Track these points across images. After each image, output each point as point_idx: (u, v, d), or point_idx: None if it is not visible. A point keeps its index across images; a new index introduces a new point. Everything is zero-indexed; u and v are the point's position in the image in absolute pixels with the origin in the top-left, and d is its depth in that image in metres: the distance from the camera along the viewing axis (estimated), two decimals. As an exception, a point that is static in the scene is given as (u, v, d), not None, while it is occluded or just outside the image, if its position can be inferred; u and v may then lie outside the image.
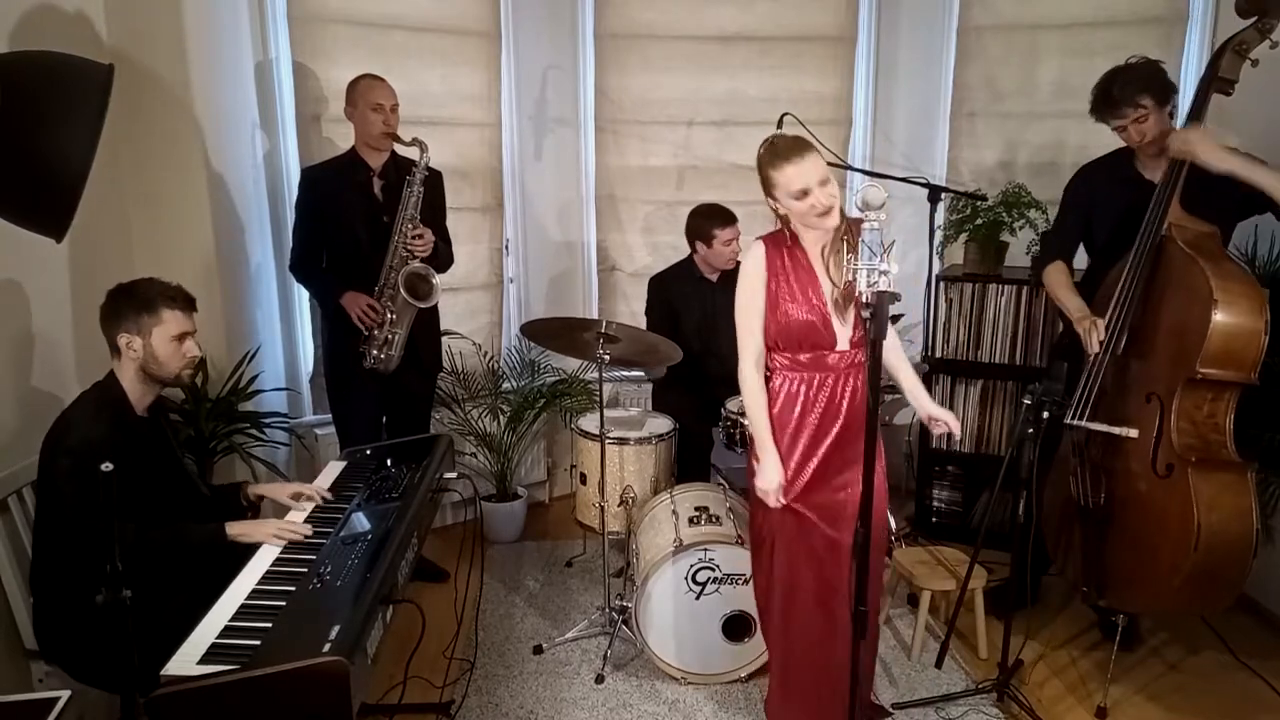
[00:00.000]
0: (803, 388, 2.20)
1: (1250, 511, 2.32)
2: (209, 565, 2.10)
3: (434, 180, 3.18)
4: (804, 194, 2.05)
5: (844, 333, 2.17)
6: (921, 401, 2.33)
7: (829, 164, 2.11)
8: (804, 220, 2.12)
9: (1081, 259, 3.00)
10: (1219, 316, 2.32)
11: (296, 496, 2.40)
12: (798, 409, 2.21)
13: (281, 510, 2.37)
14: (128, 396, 2.15)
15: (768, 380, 2.25)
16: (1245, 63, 2.50)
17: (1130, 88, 2.61)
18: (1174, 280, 2.48)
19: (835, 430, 2.20)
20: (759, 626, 2.56)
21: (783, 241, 2.19)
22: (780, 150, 2.07)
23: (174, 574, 2.08)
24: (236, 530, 2.17)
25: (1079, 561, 2.69)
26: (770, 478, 2.19)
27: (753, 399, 2.24)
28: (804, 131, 2.22)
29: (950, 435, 2.27)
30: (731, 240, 3.47)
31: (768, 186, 2.12)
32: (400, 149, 3.12)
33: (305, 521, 2.26)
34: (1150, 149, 2.68)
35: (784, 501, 2.20)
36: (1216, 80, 2.52)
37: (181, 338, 2.16)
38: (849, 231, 2.12)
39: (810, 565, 2.24)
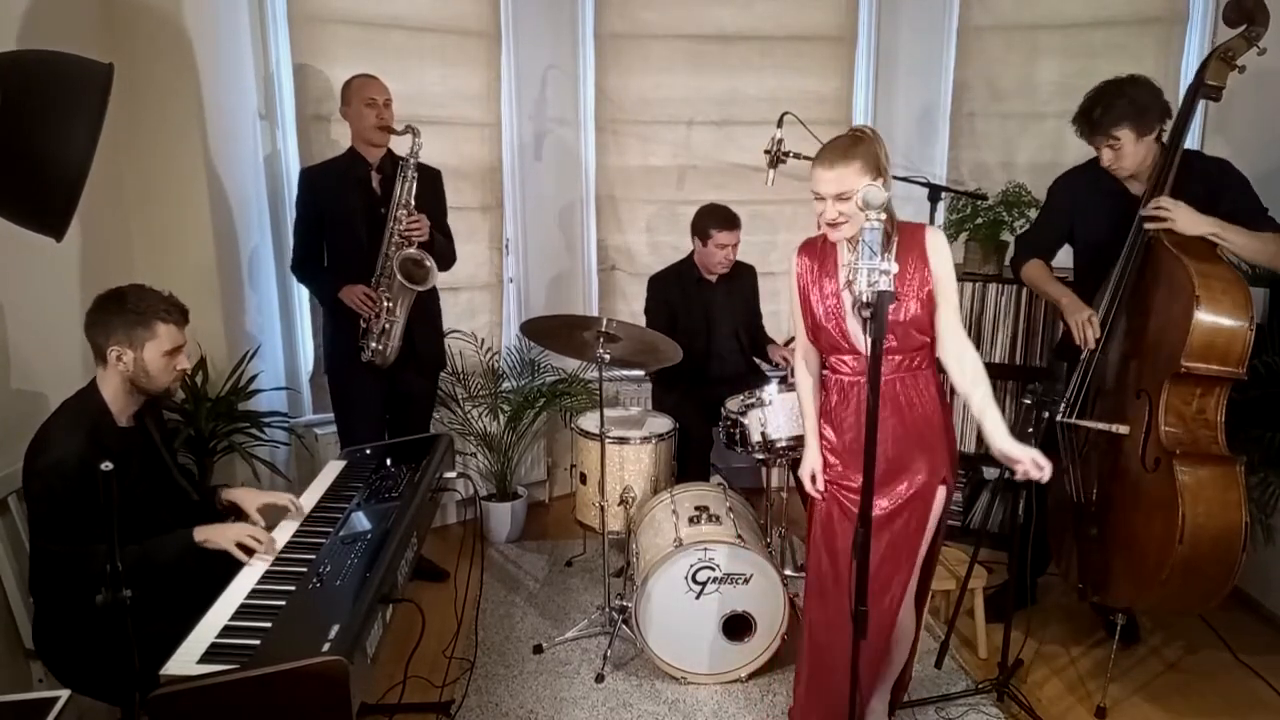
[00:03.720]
0: (839, 385, 2.22)
1: (1239, 504, 2.32)
2: (190, 573, 2.04)
3: (433, 177, 3.19)
4: (818, 198, 2.07)
5: (864, 338, 2.16)
6: (994, 436, 2.07)
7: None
8: (820, 222, 2.12)
9: (1066, 259, 2.99)
10: (1200, 311, 2.34)
11: (265, 509, 2.28)
12: (834, 403, 2.24)
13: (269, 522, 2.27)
14: (109, 407, 2.09)
15: (823, 373, 2.29)
16: (1233, 70, 2.52)
17: (1109, 115, 2.56)
18: (1161, 279, 2.50)
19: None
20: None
21: (816, 243, 2.20)
22: (822, 150, 2.06)
23: (155, 590, 1.98)
24: (201, 536, 2.06)
25: (1075, 559, 2.69)
26: (806, 464, 2.28)
27: (799, 389, 2.35)
28: (804, 131, 2.22)
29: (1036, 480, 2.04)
30: (727, 245, 3.45)
31: None
32: (396, 144, 3.12)
33: (303, 524, 2.26)
34: (1123, 174, 2.66)
35: (820, 490, 2.24)
36: (1204, 87, 2.54)
37: (173, 352, 2.11)
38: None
39: (832, 559, 2.24)
